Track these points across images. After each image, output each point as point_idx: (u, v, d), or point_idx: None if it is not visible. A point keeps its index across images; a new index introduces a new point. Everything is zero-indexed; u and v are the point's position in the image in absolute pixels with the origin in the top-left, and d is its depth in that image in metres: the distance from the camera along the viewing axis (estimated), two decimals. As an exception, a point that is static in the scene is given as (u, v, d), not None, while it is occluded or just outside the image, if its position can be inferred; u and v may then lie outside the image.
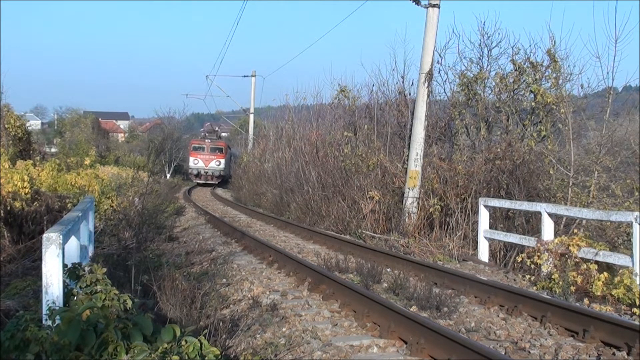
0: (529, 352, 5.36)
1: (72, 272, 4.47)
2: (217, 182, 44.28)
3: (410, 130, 13.55)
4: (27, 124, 28.10)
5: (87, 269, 4.52)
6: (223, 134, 58.15)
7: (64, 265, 4.33)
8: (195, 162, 45.07)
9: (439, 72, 14.42)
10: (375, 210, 13.72)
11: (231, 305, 6.94)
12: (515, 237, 9.89)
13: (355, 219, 14.14)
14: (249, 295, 7.26)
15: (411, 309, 6.58)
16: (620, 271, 7.46)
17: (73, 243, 5.26)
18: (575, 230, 9.18)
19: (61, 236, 4.15)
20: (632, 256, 7.43)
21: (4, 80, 51.75)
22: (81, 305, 3.81)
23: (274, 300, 6.95)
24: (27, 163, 12.50)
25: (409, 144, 13.43)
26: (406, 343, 5.38)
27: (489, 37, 14.10)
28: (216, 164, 44.77)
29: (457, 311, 6.68)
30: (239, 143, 46.32)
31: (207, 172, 44.52)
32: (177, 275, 6.99)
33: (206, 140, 45.81)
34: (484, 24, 14.22)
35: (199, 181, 44.45)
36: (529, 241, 9.30)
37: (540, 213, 9.22)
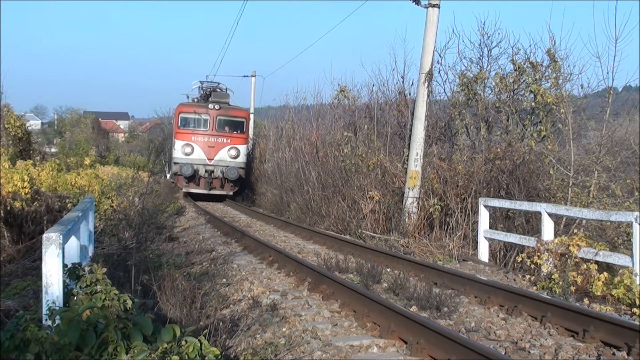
0: (529, 352, 5.36)
1: (72, 272, 4.47)
2: (231, 192, 24.78)
3: (410, 130, 13.55)
4: (27, 124, 28.14)
5: (87, 269, 4.52)
6: None
7: (64, 265, 4.33)
8: (187, 151, 23.89)
9: (439, 72, 14.45)
10: (375, 210, 13.72)
11: (231, 305, 6.94)
12: (515, 237, 9.89)
13: (355, 219, 14.14)
14: (249, 295, 7.25)
15: (411, 309, 6.58)
16: (620, 271, 7.46)
17: (73, 243, 5.26)
18: (575, 230, 9.18)
19: (61, 236, 4.15)
20: (632, 256, 7.43)
21: (4, 80, 51.75)
22: (81, 305, 3.81)
23: (274, 300, 6.95)
24: (27, 163, 12.51)
25: (409, 144, 13.44)
26: (406, 343, 5.38)
27: (489, 37, 14.11)
28: (231, 153, 24.09)
29: (457, 311, 6.68)
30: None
31: (213, 172, 23.99)
32: (177, 275, 6.99)
33: (209, 107, 24.26)
34: (484, 24, 14.24)
35: (193, 190, 24.30)
36: (529, 241, 9.30)
37: (540, 213, 9.22)
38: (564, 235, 8.91)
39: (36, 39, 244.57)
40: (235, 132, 24.62)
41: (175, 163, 24.78)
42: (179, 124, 24.63)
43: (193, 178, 24.09)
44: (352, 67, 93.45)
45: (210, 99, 25.76)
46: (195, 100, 27.58)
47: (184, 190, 24.69)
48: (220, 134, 24.29)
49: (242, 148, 24.78)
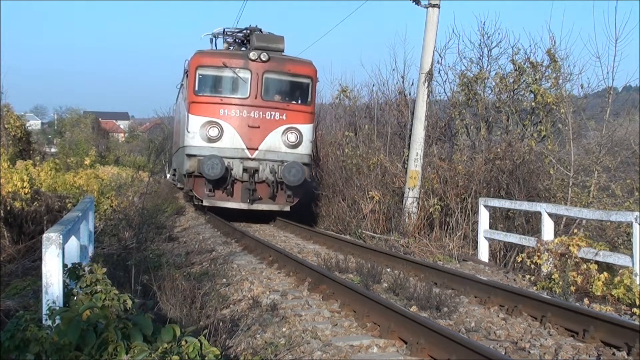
0: (529, 352, 5.36)
1: (72, 272, 4.47)
2: (288, 207, 14.85)
3: (410, 130, 13.56)
4: (27, 124, 28.16)
5: (87, 269, 4.52)
6: None
7: (64, 265, 4.33)
8: (212, 134, 14.16)
9: (439, 72, 14.50)
10: (375, 210, 13.72)
11: (231, 305, 6.94)
12: (515, 237, 9.89)
13: (355, 219, 14.14)
14: (249, 295, 7.25)
15: (411, 309, 6.58)
16: (620, 271, 7.46)
17: (73, 243, 5.27)
18: (575, 230, 9.18)
19: (61, 236, 4.15)
20: (632, 256, 7.43)
21: (4, 80, 51.77)
22: (81, 305, 3.81)
23: (274, 300, 6.95)
24: (26, 163, 12.52)
25: (409, 144, 13.44)
26: (406, 343, 5.38)
27: (489, 37, 14.17)
28: (288, 139, 14.51)
29: (457, 311, 6.68)
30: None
31: (257, 171, 14.32)
32: (177, 275, 6.99)
33: (250, 57, 14.21)
34: (484, 24, 14.31)
35: (221, 203, 14.54)
36: (529, 241, 9.30)
37: (540, 213, 9.22)
38: (564, 235, 8.91)
39: (36, 38, 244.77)
40: (294, 102, 14.91)
41: (189, 155, 14.36)
42: (196, 88, 14.44)
43: (222, 182, 14.08)
44: (352, 67, 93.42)
45: (255, 43, 14.56)
46: (225, 45, 16.36)
47: (205, 203, 14.71)
48: (270, 104, 14.43)
49: (306, 130, 14.76)
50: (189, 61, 15.09)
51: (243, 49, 15.72)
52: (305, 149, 14.83)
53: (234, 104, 14.36)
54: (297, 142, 14.57)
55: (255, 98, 14.29)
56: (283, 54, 15.03)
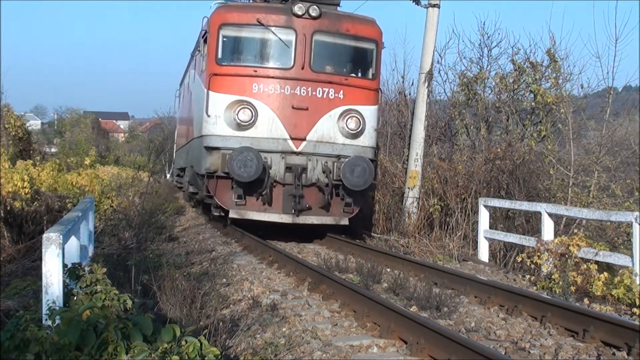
0: (529, 352, 5.36)
1: (72, 272, 4.47)
2: (346, 220, 11.04)
3: (410, 130, 13.56)
4: (27, 124, 28.11)
5: (87, 269, 4.52)
6: None
7: (64, 265, 4.33)
8: (242, 118, 10.38)
9: (439, 72, 14.54)
10: (375, 210, 13.72)
11: (231, 305, 6.94)
12: (515, 237, 9.89)
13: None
14: (249, 295, 7.25)
15: (411, 309, 6.58)
16: (620, 271, 7.47)
17: (73, 243, 5.27)
18: (575, 230, 9.19)
19: (61, 236, 4.15)
20: (632, 256, 7.43)
21: (4, 80, 51.77)
22: (81, 305, 3.81)
23: (274, 300, 6.95)
24: (27, 163, 12.51)
25: (409, 144, 13.44)
26: (406, 343, 5.38)
27: (489, 37, 14.21)
28: (346, 125, 10.75)
29: (457, 311, 6.68)
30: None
31: (305, 169, 10.58)
32: (177, 275, 6.98)
33: (295, 11, 10.35)
34: (484, 24, 14.37)
35: (255, 215, 10.63)
36: (529, 241, 9.30)
37: (540, 213, 9.23)
38: (564, 235, 8.92)
39: (36, 38, 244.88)
40: (353, 75, 11.43)
41: (209, 148, 10.83)
42: (219, 55, 10.87)
43: (257, 186, 10.63)
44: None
45: None
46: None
47: (232, 214, 10.91)
48: (322, 77, 10.88)
49: (370, 113, 11.23)
50: (208, 19, 11.10)
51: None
52: (368, 139, 11.18)
53: (272, 77, 10.73)
54: (358, 130, 10.95)
55: (302, 69, 10.65)
56: (338, 10, 11.31)
